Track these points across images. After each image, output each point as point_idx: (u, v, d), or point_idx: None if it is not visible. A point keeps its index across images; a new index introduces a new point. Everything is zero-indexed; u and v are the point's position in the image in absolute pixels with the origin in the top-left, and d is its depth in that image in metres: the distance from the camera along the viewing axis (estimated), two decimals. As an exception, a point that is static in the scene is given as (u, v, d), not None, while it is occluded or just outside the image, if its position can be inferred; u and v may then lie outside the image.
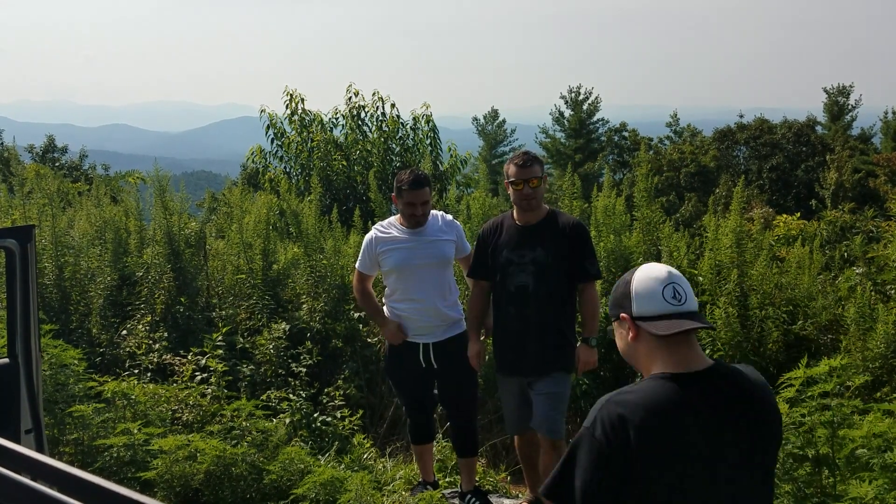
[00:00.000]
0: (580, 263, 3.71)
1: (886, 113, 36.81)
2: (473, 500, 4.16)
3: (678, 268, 5.55)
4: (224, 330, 6.02)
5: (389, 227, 4.01)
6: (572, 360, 3.75)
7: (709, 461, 1.77)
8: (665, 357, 1.85)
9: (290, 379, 5.88)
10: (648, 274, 1.90)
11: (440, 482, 4.48)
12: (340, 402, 5.60)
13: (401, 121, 12.96)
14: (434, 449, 4.53)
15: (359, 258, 4.10)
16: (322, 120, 12.98)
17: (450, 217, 4.10)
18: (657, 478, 1.75)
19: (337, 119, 13.09)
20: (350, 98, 13.04)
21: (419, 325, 3.95)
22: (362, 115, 12.99)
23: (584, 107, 40.79)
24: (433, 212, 4.02)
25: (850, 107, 38.24)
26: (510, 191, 3.79)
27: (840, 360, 3.46)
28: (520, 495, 4.68)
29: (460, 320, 4.06)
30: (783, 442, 3.51)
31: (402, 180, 3.88)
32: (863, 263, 5.74)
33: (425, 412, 4.20)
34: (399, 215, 4.01)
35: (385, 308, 4.10)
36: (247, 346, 6.19)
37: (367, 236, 4.05)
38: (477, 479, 4.41)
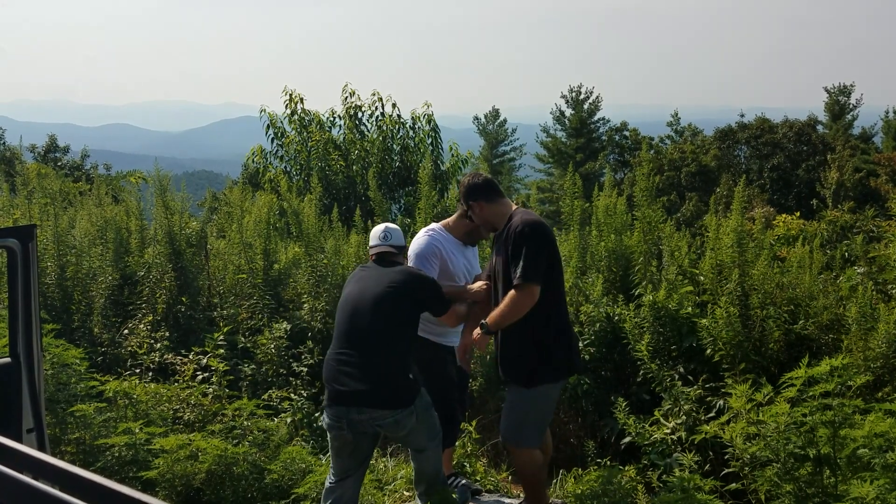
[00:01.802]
0: (513, 268, 3.55)
1: (887, 112, 36.75)
2: (453, 479, 4.34)
3: (679, 267, 5.55)
4: (225, 329, 6.03)
5: (444, 234, 4.05)
6: (532, 374, 3.59)
7: (363, 295, 3.52)
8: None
9: (291, 378, 5.89)
10: (377, 228, 3.86)
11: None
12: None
13: (402, 120, 12.95)
14: None
15: (427, 266, 3.93)
16: (321, 120, 12.98)
17: None
18: (344, 291, 3.69)
19: (335, 119, 13.10)
20: (346, 98, 13.04)
21: (455, 328, 4.05)
22: (359, 114, 12.99)
23: (585, 106, 40.76)
24: None
25: (851, 106, 38.19)
26: None
27: (841, 360, 3.46)
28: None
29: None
30: (784, 442, 3.52)
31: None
32: (864, 263, 5.74)
33: (457, 419, 4.28)
34: (447, 222, 4.11)
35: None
36: (248, 345, 6.20)
37: (428, 243, 3.96)
38: (478, 478, 4.65)
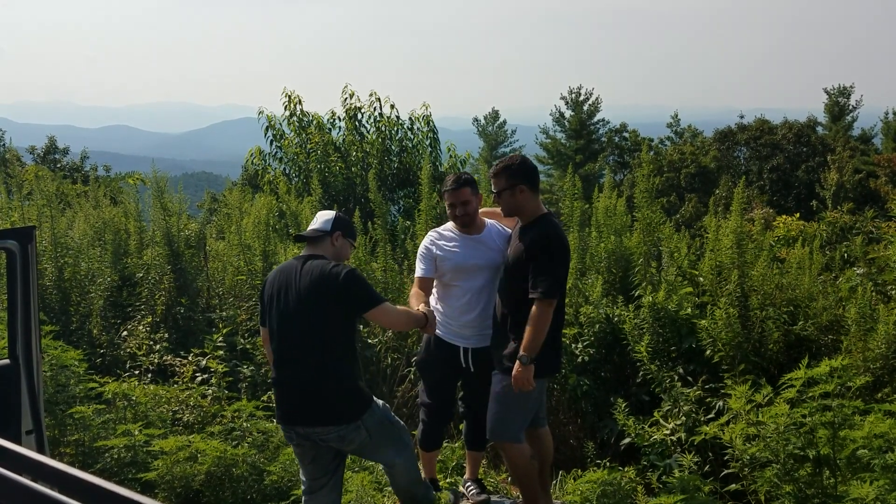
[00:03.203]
0: (536, 280, 3.58)
1: (887, 113, 36.83)
2: (470, 485, 4.32)
3: (679, 268, 5.55)
4: (225, 331, 6.02)
5: (446, 231, 4.08)
6: (509, 363, 3.63)
7: (287, 294, 3.32)
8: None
9: (290, 380, 5.88)
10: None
11: (440, 482, 4.49)
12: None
13: (400, 121, 12.94)
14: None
15: (417, 266, 4.08)
16: (319, 121, 12.97)
17: (507, 231, 4.13)
18: (268, 302, 3.41)
19: (334, 121, 13.09)
20: (346, 99, 13.03)
21: (460, 325, 3.99)
22: (359, 116, 12.98)
23: (585, 107, 40.80)
24: (491, 222, 4.10)
25: (850, 107, 38.27)
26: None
27: (841, 361, 3.46)
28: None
29: None
30: (784, 443, 3.52)
31: (445, 183, 4.02)
32: (863, 264, 5.74)
33: (441, 420, 4.25)
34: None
35: (433, 307, 4.14)
36: (247, 346, 6.20)
37: (424, 242, 4.10)
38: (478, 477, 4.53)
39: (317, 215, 3.65)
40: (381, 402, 3.53)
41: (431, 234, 4.13)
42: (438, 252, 4.00)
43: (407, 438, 3.60)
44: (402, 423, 3.62)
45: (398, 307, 3.60)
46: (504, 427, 3.71)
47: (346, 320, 3.37)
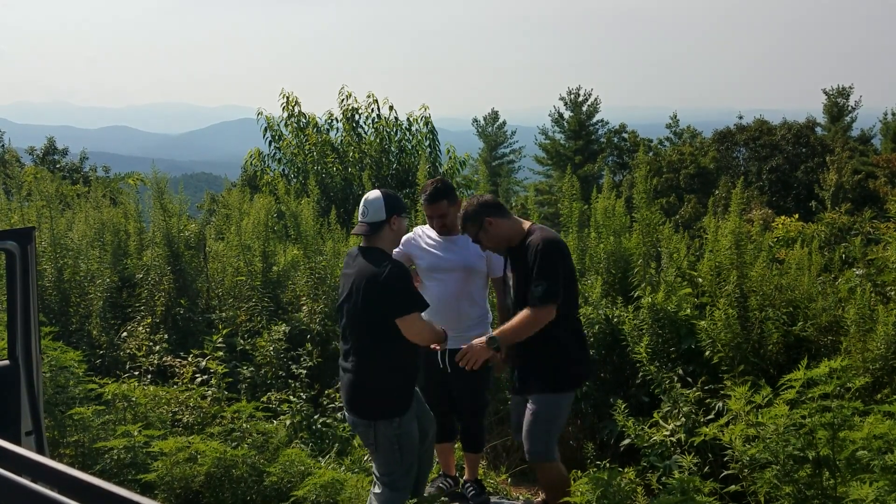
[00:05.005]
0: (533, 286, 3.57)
1: (886, 114, 36.88)
2: (469, 486, 4.35)
3: (678, 269, 5.55)
4: (224, 332, 6.02)
5: (428, 230, 4.13)
6: (551, 382, 3.67)
7: (346, 301, 3.40)
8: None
9: (290, 381, 5.88)
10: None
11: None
12: (340, 404, 5.60)
13: (399, 123, 12.95)
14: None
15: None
16: (317, 123, 12.97)
17: None
18: (342, 282, 3.53)
19: (332, 122, 13.10)
20: (343, 100, 13.03)
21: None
22: (356, 117, 12.98)
23: (584, 108, 40.83)
24: None
25: (849, 108, 38.32)
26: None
27: (840, 362, 3.46)
28: (519, 497, 4.69)
29: (481, 334, 4.08)
30: (784, 444, 3.52)
31: (424, 190, 4.05)
32: (862, 265, 5.74)
33: (443, 415, 4.25)
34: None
35: None
36: (247, 347, 6.19)
37: (405, 236, 4.15)
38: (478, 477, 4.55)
39: (364, 201, 3.45)
40: (415, 431, 3.49)
41: (417, 229, 4.22)
42: (419, 244, 4.08)
43: (403, 482, 3.50)
44: (414, 464, 3.53)
45: (424, 321, 3.48)
46: (549, 446, 3.72)
47: (384, 324, 3.35)
